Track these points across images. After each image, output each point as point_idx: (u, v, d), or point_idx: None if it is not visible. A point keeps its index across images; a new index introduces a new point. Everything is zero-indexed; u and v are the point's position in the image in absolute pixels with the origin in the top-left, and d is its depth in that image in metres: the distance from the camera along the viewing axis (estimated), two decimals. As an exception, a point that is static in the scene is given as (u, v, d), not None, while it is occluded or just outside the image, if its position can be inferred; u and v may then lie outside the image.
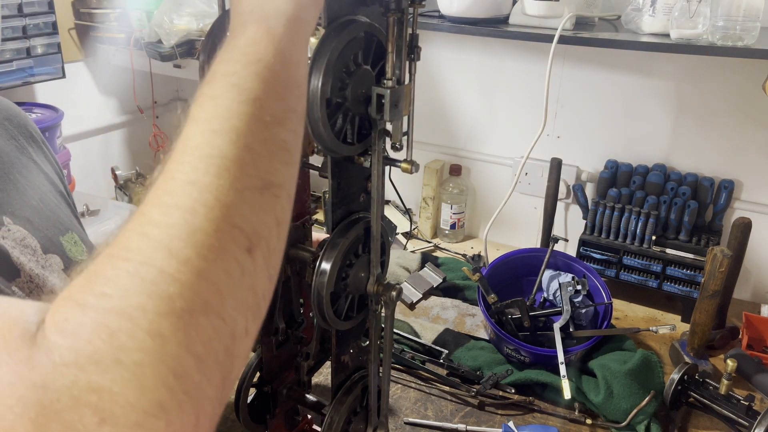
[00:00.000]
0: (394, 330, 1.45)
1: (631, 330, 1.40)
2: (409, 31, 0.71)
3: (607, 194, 1.65)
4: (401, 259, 1.77)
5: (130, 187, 2.00)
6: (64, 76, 1.82)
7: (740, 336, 1.47)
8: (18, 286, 0.65)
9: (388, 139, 0.76)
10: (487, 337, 1.47)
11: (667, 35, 1.40)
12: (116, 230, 0.37)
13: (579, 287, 1.42)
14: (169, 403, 0.32)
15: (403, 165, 0.76)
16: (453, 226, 1.96)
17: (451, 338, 1.45)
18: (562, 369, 1.24)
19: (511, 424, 1.21)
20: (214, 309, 0.35)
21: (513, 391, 1.29)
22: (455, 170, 1.94)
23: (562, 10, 1.49)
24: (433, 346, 1.43)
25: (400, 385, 1.33)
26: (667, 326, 1.34)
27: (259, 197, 0.40)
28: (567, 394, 1.20)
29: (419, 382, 1.33)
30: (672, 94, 1.63)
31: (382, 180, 0.78)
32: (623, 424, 1.21)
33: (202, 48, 0.77)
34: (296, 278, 0.92)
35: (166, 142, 2.25)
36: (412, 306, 1.62)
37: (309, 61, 0.67)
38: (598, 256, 1.65)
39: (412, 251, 1.88)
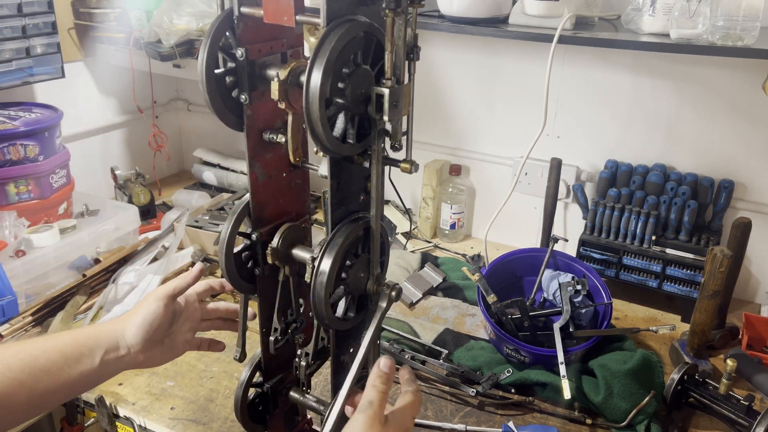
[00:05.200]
0: (395, 330, 1.45)
1: (631, 330, 1.40)
2: (409, 30, 0.71)
3: (607, 194, 1.65)
4: (401, 259, 1.76)
5: (129, 186, 1.99)
6: (63, 75, 1.82)
7: (740, 336, 1.47)
8: None
9: (387, 139, 0.76)
10: (487, 337, 1.47)
11: (667, 35, 1.40)
12: None
13: (579, 287, 1.42)
14: None
15: (403, 165, 0.76)
16: (453, 226, 1.96)
17: (451, 338, 1.45)
18: (562, 369, 1.24)
19: (511, 424, 1.21)
20: None
21: (513, 391, 1.29)
22: (455, 170, 1.93)
23: (562, 9, 1.49)
24: (433, 346, 1.43)
25: (399, 385, 1.32)
26: (667, 326, 1.34)
27: None
28: (567, 394, 1.20)
29: (419, 382, 1.33)
30: (672, 94, 1.63)
31: (381, 180, 0.78)
32: (623, 424, 1.20)
33: (202, 48, 0.77)
34: (296, 278, 0.92)
35: (166, 141, 2.25)
36: (411, 306, 1.62)
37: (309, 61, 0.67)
38: (598, 256, 1.64)
39: (412, 251, 1.88)
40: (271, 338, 0.94)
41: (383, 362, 0.75)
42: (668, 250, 1.57)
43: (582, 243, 1.66)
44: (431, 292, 1.67)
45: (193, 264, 1.73)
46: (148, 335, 0.87)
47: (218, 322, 1.02)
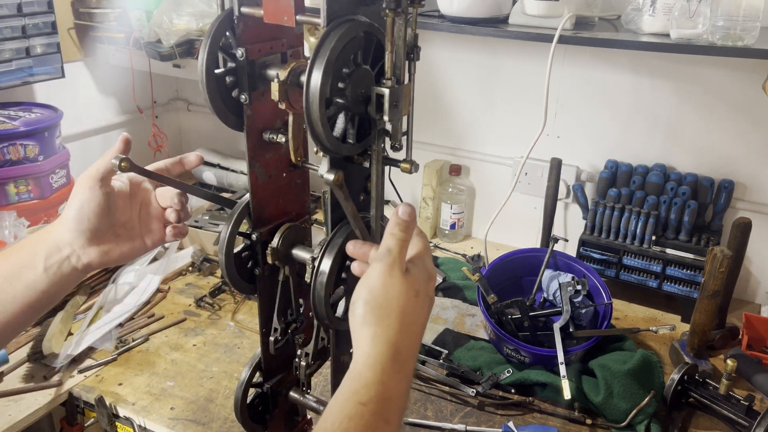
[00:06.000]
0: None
1: (631, 330, 1.40)
2: (409, 30, 0.71)
3: (607, 194, 1.65)
4: (401, 259, 1.76)
5: (129, 187, 1.99)
6: (63, 75, 1.82)
7: (740, 336, 1.47)
8: None
9: (387, 139, 0.76)
10: (487, 337, 1.47)
11: (667, 35, 1.40)
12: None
13: (579, 287, 1.42)
14: None
15: (403, 165, 0.76)
16: (453, 226, 1.96)
17: (451, 338, 1.45)
18: (562, 369, 1.24)
19: (511, 424, 1.21)
20: None
21: (513, 391, 1.29)
22: (455, 170, 1.93)
23: (562, 9, 1.49)
24: (433, 346, 1.43)
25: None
26: (667, 326, 1.34)
27: None
28: (567, 394, 1.20)
29: (419, 382, 1.33)
30: (672, 94, 1.63)
31: (381, 180, 0.78)
32: (623, 424, 1.20)
33: (202, 48, 0.77)
34: (296, 278, 0.92)
35: (166, 141, 2.24)
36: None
37: (309, 62, 0.67)
38: (598, 256, 1.64)
39: (412, 251, 1.88)
40: (271, 338, 0.94)
41: (402, 209, 0.69)
42: (668, 250, 1.57)
43: (582, 243, 1.66)
44: (431, 292, 1.67)
45: (193, 264, 1.73)
46: (84, 225, 0.78)
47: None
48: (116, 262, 0.84)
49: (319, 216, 2.00)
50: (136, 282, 1.58)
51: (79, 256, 0.79)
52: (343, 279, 0.79)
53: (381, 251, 0.67)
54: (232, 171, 2.22)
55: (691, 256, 1.55)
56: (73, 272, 0.79)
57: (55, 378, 1.30)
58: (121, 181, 0.85)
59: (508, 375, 1.31)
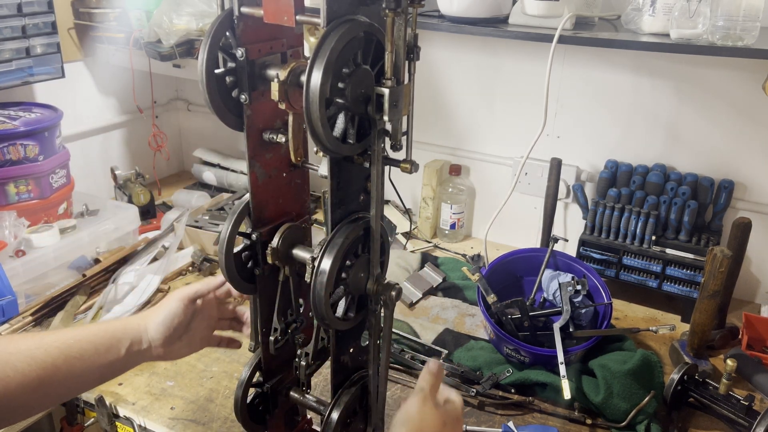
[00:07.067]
0: (395, 330, 1.45)
1: (631, 330, 1.40)
2: (409, 30, 0.71)
3: (607, 194, 1.65)
4: (401, 259, 1.76)
5: (129, 186, 1.99)
6: (63, 75, 1.82)
7: (740, 336, 1.47)
8: None
9: (387, 139, 0.76)
10: (486, 337, 1.47)
11: (667, 35, 1.40)
12: None
13: (579, 287, 1.42)
14: None
15: (403, 165, 0.76)
16: (453, 226, 1.96)
17: (450, 338, 1.45)
18: (562, 369, 1.24)
19: (511, 424, 1.21)
20: None
21: (513, 391, 1.29)
22: (455, 170, 1.93)
23: (562, 9, 1.49)
24: (432, 346, 1.43)
25: (399, 385, 1.32)
26: (667, 326, 1.34)
27: None
28: (567, 394, 1.20)
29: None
30: (672, 94, 1.63)
31: (381, 180, 0.78)
32: (623, 424, 1.20)
33: (202, 48, 0.77)
34: (296, 278, 0.92)
35: (166, 141, 2.25)
36: (411, 306, 1.62)
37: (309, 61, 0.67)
38: (598, 256, 1.64)
39: (412, 251, 1.88)
40: (271, 338, 0.94)
41: (432, 365, 0.84)
42: (668, 250, 1.57)
43: (582, 243, 1.66)
44: (431, 292, 1.67)
45: (193, 264, 1.73)
46: (168, 332, 0.93)
47: (234, 323, 1.07)
48: (175, 358, 0.99)
49: (319, 216, 2.00)
50: (136, 282, 1.58)
51: (152, 351, 0.93)
52: (343, 279, 0.79)
53: (416, 390, 0.82)
54: (232, 171, 2.22)
55: (691, 256, 1.55)
56: (141, 359, 0.93)
57: (55, 378, 1.30)
58: (198, 300, 1.00)
59: (508, 375, 1.31)
